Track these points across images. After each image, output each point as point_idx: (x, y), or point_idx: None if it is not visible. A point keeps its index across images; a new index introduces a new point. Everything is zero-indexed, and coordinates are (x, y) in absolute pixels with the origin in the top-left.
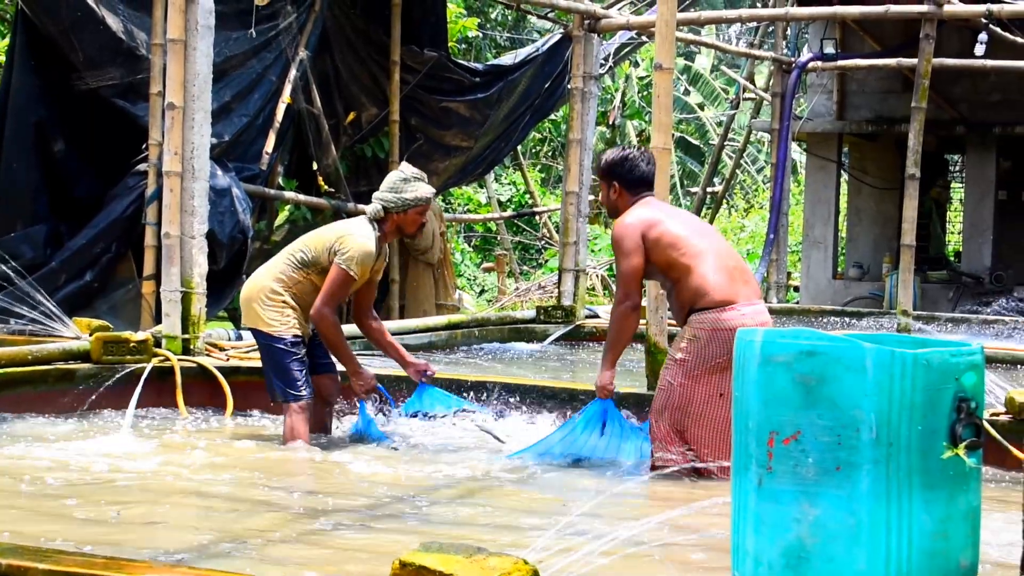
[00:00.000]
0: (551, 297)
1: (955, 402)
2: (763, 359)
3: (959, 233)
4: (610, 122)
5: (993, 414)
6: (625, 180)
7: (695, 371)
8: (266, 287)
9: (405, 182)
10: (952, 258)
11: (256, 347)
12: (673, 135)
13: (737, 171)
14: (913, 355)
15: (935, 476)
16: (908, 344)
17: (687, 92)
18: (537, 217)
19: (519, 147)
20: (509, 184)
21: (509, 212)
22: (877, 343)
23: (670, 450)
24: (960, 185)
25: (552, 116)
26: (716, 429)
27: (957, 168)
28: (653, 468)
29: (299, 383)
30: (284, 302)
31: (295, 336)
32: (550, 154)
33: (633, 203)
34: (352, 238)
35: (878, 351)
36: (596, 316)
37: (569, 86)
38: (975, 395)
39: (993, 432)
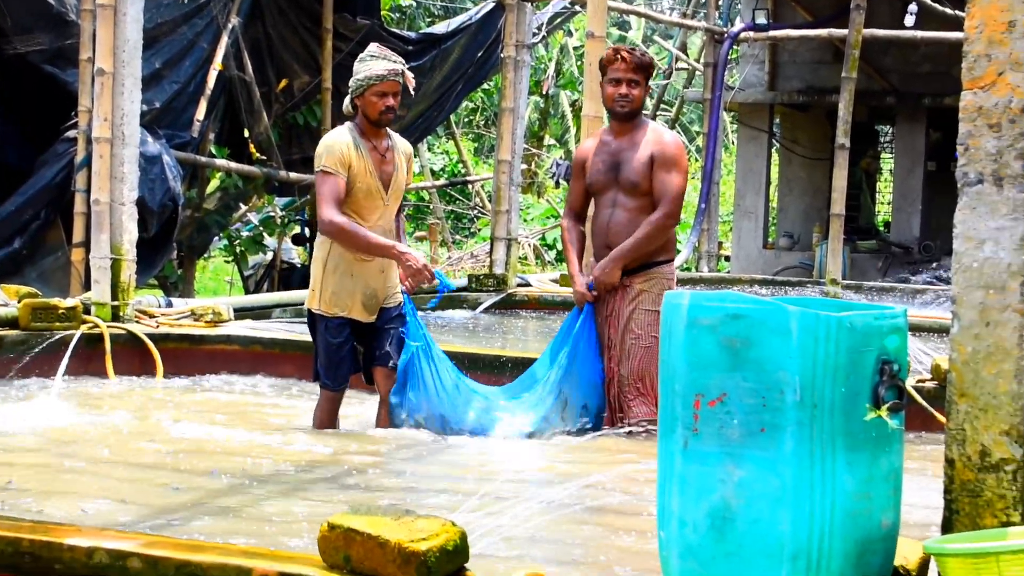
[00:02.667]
0: (483, 266)
1: (878, 364)
2: (689, 322)
3: (889, 203)
4: (544, 91)
5: (919, 380)
6: None
7: None
8: (314, 258)
9: (360, 62)
10: (881, 228)
11: (186, 315)
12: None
13: None
14: (837, 318)
15: (858, 438)
16: (833, 308)
17: None
18: (470, 186)
19: (452, 116)
20: (442, 153)
21: (442, 181)
22: (802, 307)
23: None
24: (890, 156)
25: (485, 85)
26: None
27: (887, 139)
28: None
29: (330, 370)
30: (324, 268)
31: (334, 317)
32: (483, 123)
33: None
34: (321, 142)
35: (802, 314)
36: (528, 285)
37: (502, 55)
38: (898, 358)
39: (916, 395)
